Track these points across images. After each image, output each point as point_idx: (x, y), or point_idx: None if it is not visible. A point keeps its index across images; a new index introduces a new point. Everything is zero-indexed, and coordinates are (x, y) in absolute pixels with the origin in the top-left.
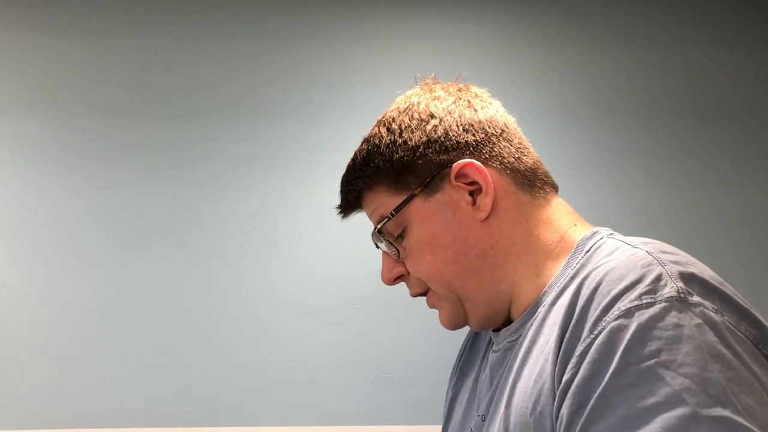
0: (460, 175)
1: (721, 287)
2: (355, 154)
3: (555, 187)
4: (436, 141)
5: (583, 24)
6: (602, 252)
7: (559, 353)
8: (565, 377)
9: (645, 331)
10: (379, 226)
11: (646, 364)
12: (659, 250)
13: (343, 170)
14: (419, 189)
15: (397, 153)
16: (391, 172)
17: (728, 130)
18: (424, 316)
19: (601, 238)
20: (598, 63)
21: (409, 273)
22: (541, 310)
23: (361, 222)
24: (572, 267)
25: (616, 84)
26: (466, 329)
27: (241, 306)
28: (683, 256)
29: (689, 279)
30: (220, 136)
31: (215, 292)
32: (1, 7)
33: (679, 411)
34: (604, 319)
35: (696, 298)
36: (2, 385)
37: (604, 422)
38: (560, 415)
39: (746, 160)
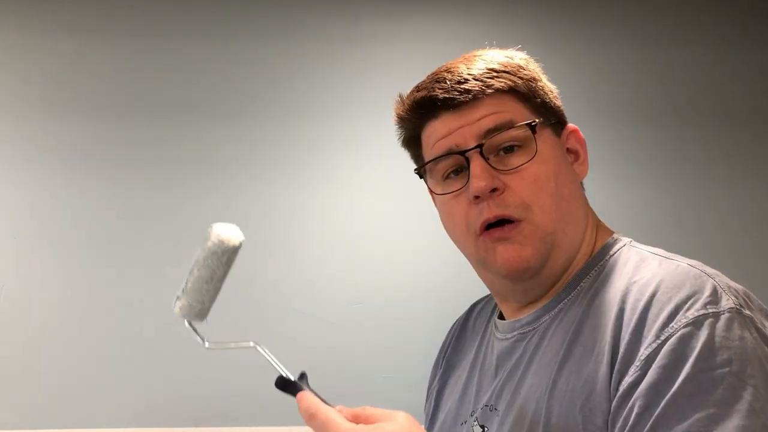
0: (569, 137)
1: (757, 301)
2: (506, 57)
3: None
4: (555, 97)
5: (583, 24)
6: (633, 259)
7: (616, 356)
8: (629, 379)
9: (715, 340)
10: (534, 123)
11: (719, 372)
12: (696, 264)
13: (342, 170)
14: (554, 122)
15: (539, 83)
16: (534, 95)
17: (727, 130)
18: (423, 315)
19: (624, 246)
20: (598, 63)
21: (503, 191)
22: (565, 307)
23: (362, 222)
24: (595, 268)
25: (615, 84)
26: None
27: (240, 306)
28: (713, 269)
29: (736, 292)
30: (219, 137)
31: None
32: (0, 7)
33: (753, 419)
34: (670, 325)
35: (747, 312)
36: (2, 385)
37: (677, 425)
38: (620, 416)
39: (745, 160)
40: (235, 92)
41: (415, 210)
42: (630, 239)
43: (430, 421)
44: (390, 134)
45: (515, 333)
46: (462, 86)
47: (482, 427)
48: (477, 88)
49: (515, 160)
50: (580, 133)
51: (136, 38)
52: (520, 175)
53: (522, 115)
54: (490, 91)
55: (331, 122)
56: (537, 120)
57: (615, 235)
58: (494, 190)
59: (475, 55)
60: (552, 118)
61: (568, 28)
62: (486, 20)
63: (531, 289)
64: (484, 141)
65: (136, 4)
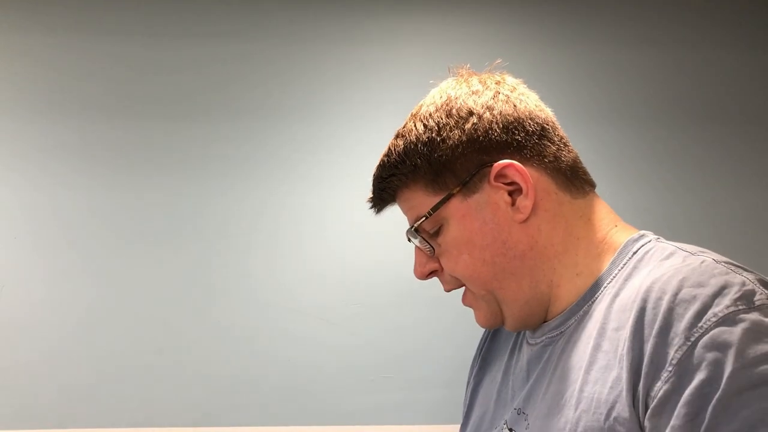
0: (499, 176)
1: None
2: (389, 149)
3: (593, 185)
4: (475, 140)
5: (585, 24)
6: (656, 256)
7: (639, 361)
8: (664, 386)
9: (751, 335)
10: (416, 225)
11: (762, 367)
12: (723, 260)
13: (341, 170)
14: (458, 189)
15: (435, 152)
16: (429, 171)
17: (729, 131)
18: (424, 316)
19: (649, 241)
20: (600, 63)
21: (442, 269)
22: (589, 309)
23: (362, 221)
24: (619, 267)
25: (617, 84)
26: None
27: (240, 306)
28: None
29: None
30: (219, 137)
31: (215, 292)
32: (0, 6)
33: None
34: (698, 325)
35: None
36: (2, 385)
37: (727, 427)
38: (663, 426)
39: (748, 160)
40: (236, 93)
41: None
42: (658, 236)
43: (465, 417)
44: (389, 134)
45: (543, 337)
46: (375, 198)
47: (510, 430)
48: (381, 200)
49: (440, 239)
50: (513, 165)
51: (135, 38)
52: (446, 256)
53: (426, 203)
54: (392, 194)
55: (333, 122)
56: (429, 212)
57: (640, 232)
58: (432, 272)
59: (387, 147)
60: (461, 178)
61: (569, 28)
62: (486, 20)
63: (545, 319)
64: (410, 237)
65: (135, 4)
